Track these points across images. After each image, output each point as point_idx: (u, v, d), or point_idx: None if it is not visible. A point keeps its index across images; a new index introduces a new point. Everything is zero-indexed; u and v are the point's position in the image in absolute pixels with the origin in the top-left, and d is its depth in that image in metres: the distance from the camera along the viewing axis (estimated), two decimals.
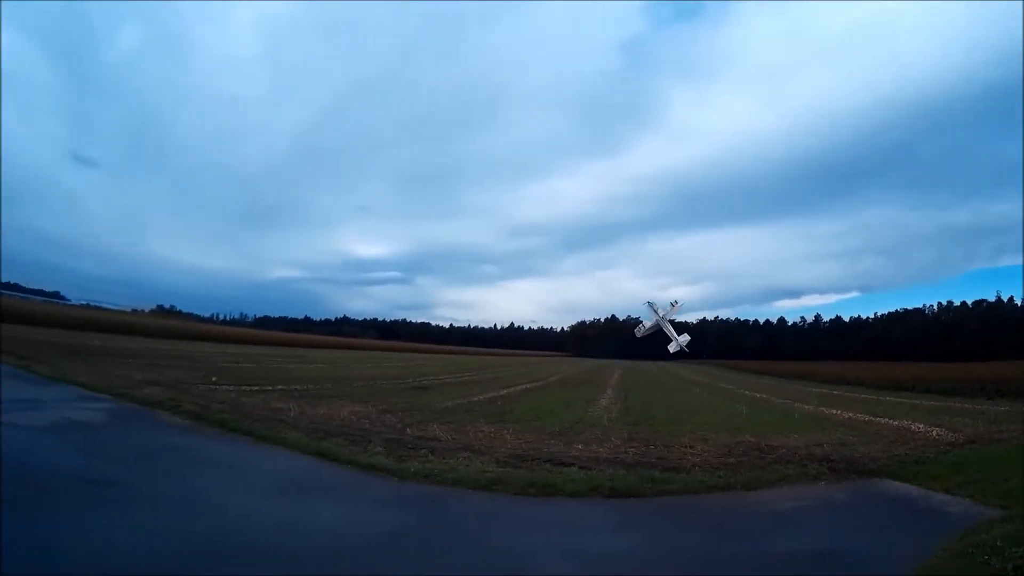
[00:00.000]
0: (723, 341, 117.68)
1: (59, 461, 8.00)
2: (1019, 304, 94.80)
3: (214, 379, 19.81)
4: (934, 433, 14.84)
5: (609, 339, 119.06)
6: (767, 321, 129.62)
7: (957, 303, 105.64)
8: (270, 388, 18.91)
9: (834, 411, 21.06)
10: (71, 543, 5.31)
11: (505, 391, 24.87)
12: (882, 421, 17.67)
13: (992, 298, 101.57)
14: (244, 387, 18.41)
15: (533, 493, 7.91)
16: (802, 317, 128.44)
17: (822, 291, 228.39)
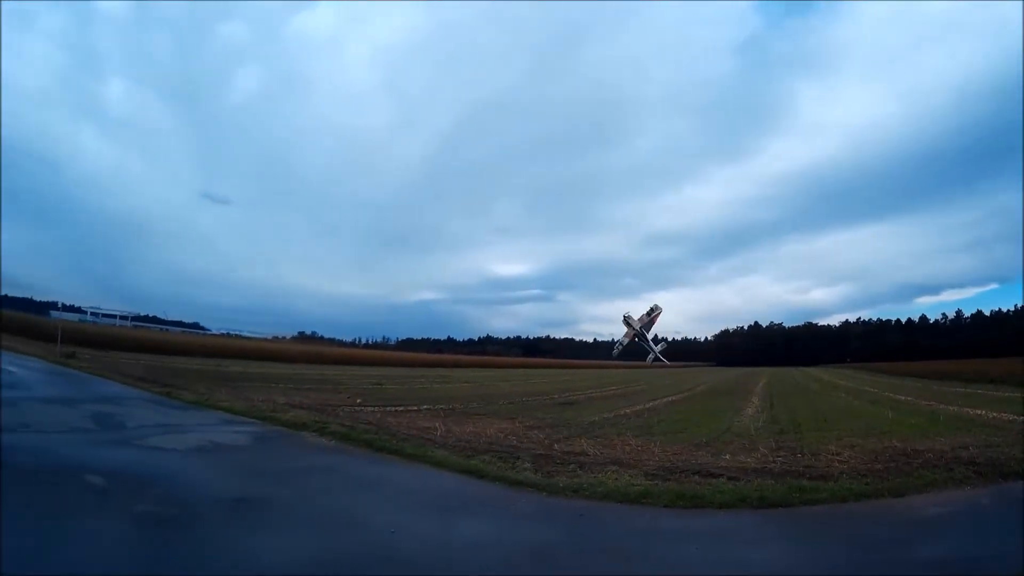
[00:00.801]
0: (865, 342, 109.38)
1: (205, 481, 8.24)
2: None
3: (359, 400, 20.21)
4: None
5: (752, 346, 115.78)
6: (908, 319, 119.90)
7: None
8: (415, 408, 19.15)
9: (978, 411, 20.06)
10: (218, 559, 5.49)
11: (651, 403, 24.79)
12: None
13: None
14: (389, 407, 18.68)
15: (681, 505, 7.90)
16: (943, 313, 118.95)
17: (960, 285, 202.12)
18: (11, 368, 22.57)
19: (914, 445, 12.28)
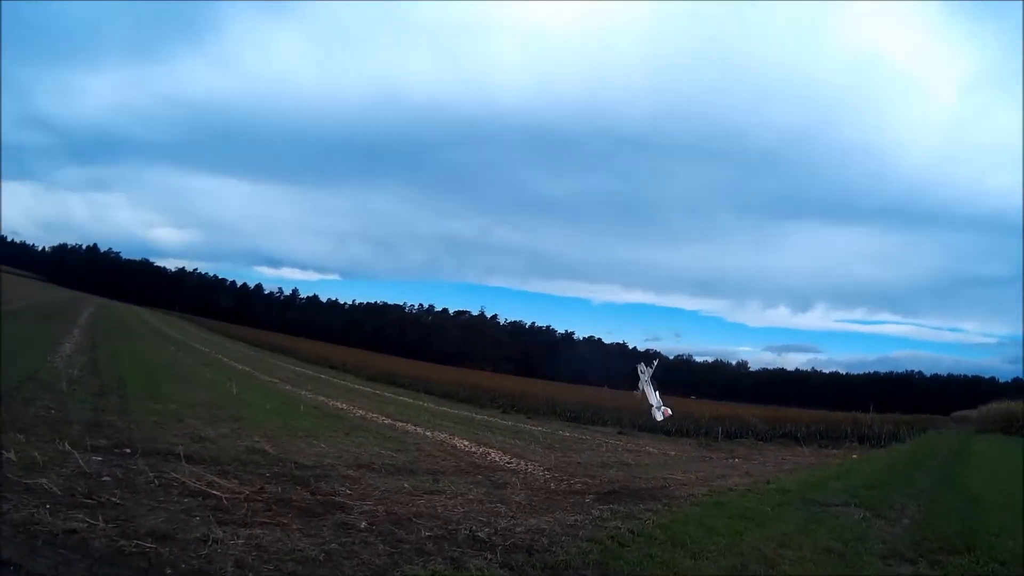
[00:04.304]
0: (198, 295, 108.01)
1: None
2: (500, 322, 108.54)
3: None
4: (494, 456, 11.30)
5: (88, 270, 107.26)
6: (244, 284, 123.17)
7: (439, 308, 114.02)
8: None
9: (339, 404, 17.21)
10: None
11: None
12: (415, 430, 14.05)
13: (475, 311, 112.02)
14: None
15: None
16: (279, 288, 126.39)
17: (303, 266, 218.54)
18: None
19: (294, 453, 8.28)
